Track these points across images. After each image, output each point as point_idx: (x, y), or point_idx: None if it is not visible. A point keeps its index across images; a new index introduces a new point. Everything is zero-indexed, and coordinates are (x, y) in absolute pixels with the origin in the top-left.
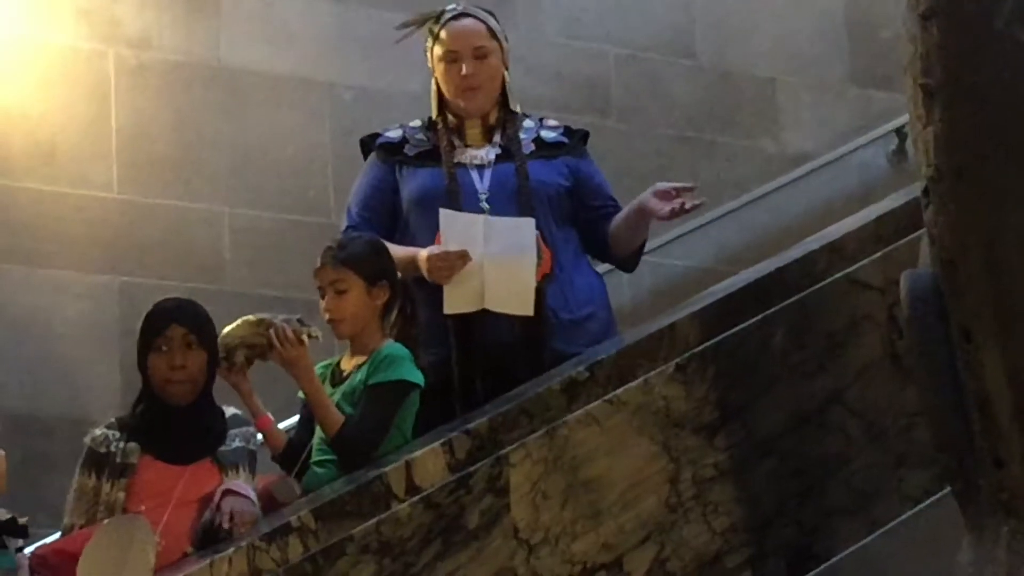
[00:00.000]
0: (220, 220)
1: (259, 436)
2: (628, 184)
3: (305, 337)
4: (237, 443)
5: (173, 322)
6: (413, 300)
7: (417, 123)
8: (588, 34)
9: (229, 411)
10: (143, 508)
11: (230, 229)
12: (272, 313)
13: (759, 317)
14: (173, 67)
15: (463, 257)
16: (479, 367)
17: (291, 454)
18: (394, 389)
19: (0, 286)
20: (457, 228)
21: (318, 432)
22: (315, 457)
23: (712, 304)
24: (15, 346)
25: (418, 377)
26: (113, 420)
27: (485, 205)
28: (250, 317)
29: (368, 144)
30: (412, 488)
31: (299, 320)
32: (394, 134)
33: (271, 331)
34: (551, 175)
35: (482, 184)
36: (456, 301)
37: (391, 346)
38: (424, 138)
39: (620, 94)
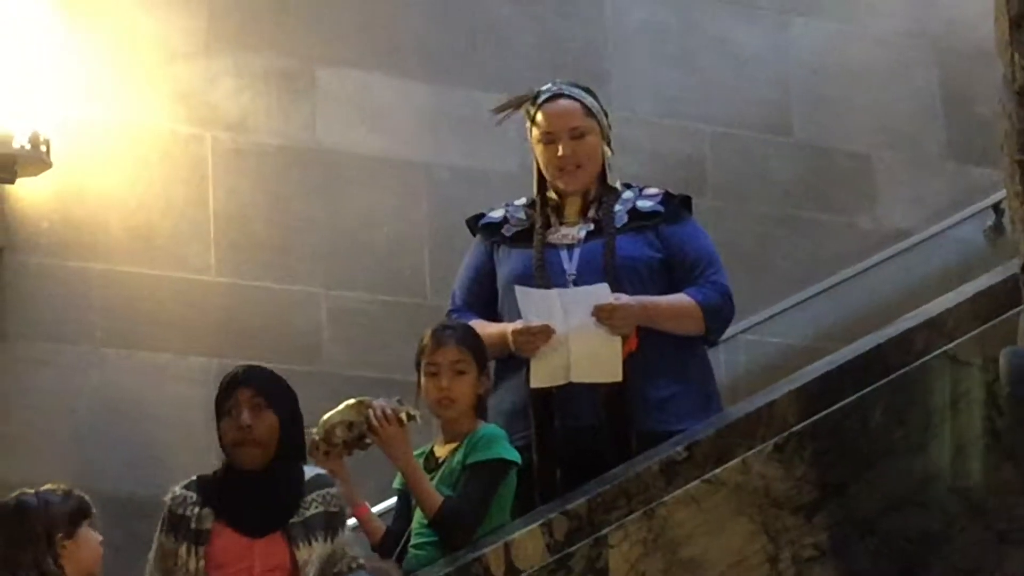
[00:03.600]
0: (317, 301)
1: (350, 517)
2: (725, 262)
3: (404, 416)
4: (314, 508)
5: (240, 385)
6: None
7: (522, 201)
8: (683, 112)
9: (311, 472)
10: None
11: (327, 310)
12: (371, 397)
13: (858, 395)
14: (270, 150)
15: (544, 331)
16: (560, 453)
17: (389, 543)
18: (493, 468)
19: (99, 369)
20: (535, 304)
21: (417, 515)
22: (414, 540)
23: (810, 382)
24: (114, 428)
25: (515, 455)
26: (194, 478)
27: (572, 287)
28: (350, 400)
29: (473, 225)
30: (511, 569)
31: (398, 400)
32: (497, 214)
33: (369, 411)
34: (640, 249)
35: (570, 264)
36: (542, 375)
37: (487, 427)
38: (524, 217)
39: (716, 172)
